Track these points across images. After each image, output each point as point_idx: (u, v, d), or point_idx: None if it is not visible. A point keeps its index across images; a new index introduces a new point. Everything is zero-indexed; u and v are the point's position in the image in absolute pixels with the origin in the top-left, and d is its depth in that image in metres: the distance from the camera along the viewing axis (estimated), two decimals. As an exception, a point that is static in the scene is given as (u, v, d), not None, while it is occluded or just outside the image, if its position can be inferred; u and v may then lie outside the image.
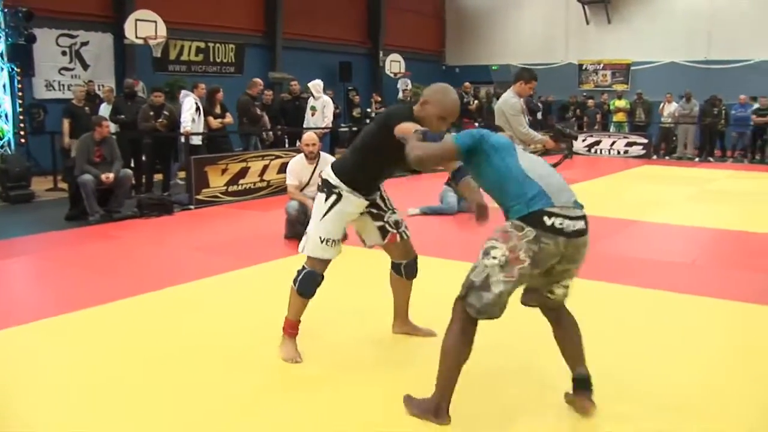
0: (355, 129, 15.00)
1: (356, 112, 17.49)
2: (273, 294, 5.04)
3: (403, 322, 4.34)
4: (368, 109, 17.69)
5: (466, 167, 3.20)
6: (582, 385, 3.17)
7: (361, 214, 3.96)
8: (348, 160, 3.93)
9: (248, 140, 12.26)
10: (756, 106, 17.48)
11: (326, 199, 3.86)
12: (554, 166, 6.09)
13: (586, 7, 23.09)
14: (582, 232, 2.95)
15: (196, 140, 10.73)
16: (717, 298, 5.14)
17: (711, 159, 17.82)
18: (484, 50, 24.88)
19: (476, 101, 17.67)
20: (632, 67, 22.66)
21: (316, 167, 6.94)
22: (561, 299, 3.16)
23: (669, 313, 4.86)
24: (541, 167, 3.11)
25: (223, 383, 3.62)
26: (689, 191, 11.42)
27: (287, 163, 7.50)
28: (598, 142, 19.15)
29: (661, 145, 18.93)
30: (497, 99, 17.09)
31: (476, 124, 16.35)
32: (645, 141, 18.80)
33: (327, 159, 7.14)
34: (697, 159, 17.86)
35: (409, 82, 20.47)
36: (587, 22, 23.37)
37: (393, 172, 3.97)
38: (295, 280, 3.91)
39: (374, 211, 3.99)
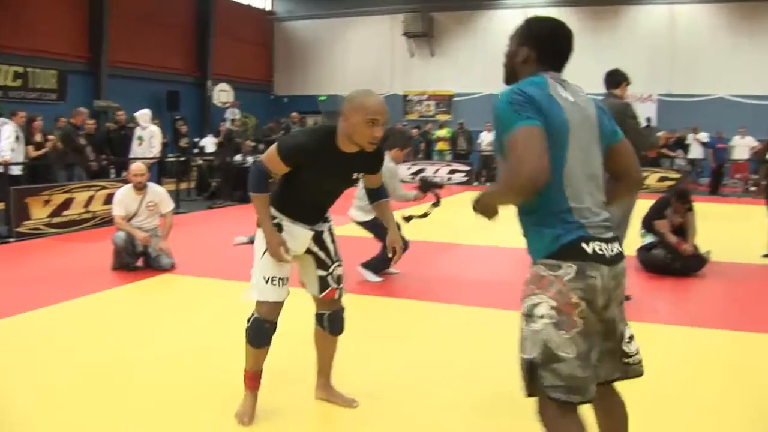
0: (183, 159, 15.04)
1: (184, 142, 17.44)
2: (99, 328, 5.12)
3: (324, 386, 3.76)
4: (195, 139, 17.71)
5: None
6: None
7: (307, 252, 3.49)
8: (277, 189, 3.43)
9: (72, 170, 12.02)
10: None
11: (263, 235, 3.38)
12: (422, 216, 6.61)
13: (411, 40, 24.27)
14: (621, 256, 2.37)
15: (16, 170, 10.43)
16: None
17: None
18: (312, 81, 25.53)
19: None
20: (454, 98, 24.05)
21: (144, 198, 7.05)
22: (640, 361, 2.47)
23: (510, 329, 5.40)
24: (578, 142, 2.32)
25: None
26: (508, 214, 12.27)
27: (113, 193, 7.51)
28: (422, 170, 20.07)
29: (482, 172, 20.15)
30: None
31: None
32: (467, 168, 19.98)
33: (155, 189, 7.29)
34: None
35: (237, 111, 20.55)
36: (412, 55, 24.56)
37: (333, 195, 3.46)
38: (246, 329, 3.44)
39: (321, 255, 3.51)
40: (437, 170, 19.96)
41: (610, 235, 2.31)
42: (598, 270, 2.25)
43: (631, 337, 2.44)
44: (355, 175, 3.36)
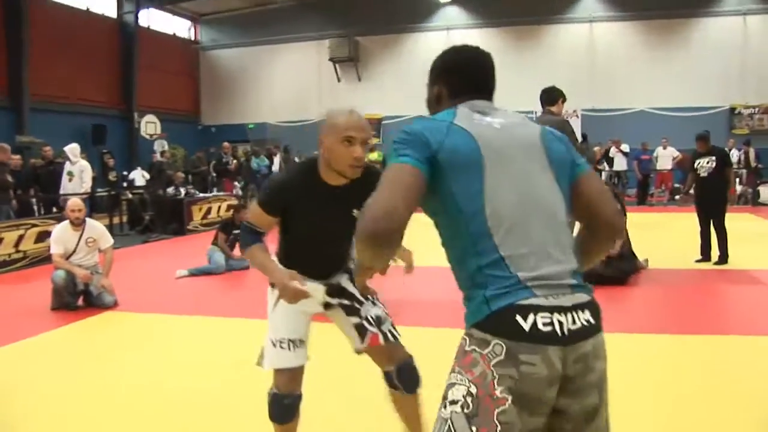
0: (113, 193, 14.77)
1: (112, 176, 17.11)
2: (42, 371, 4.98)
3: None
4: (124, 172, 17.42)
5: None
6: None
7: (328, 306, 3.04)
8: (279, 243, 3.06)
9: (-1, 209, 11.69)
10: None
11: (273, 288, 2.95)
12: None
13: (337, 66, 24.44)
14: (588, 330, 1.73)
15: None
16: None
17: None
18: (239, 109, 25.44)
19: (235, 161, 17.93)
20: (383, 122, 24.21)
21: (82, 234, 6.92)
22: None
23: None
24: (511, 179, 1.80)
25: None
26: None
27: (45, 231, 7.38)
28: (356, 194, 20.23)
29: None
30: (255, 157, 17.66)
31: (236, 184, 16.70)
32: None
33: (93, 225, 7.16)
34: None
35: (165, 143, 20.37)
36: (339, 80, 24.70)
37: (339, 240, 2.93)
38: (268, 404, 3.00)
39: (346, 302, 3.00)
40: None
41: (575, 297, 1.73)
42: (540, 354, 1.65)
43: None
44: (355, 212, 2.58)
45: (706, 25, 22.41)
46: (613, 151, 20.09)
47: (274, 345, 2.93)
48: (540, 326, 1.65)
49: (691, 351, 5.14)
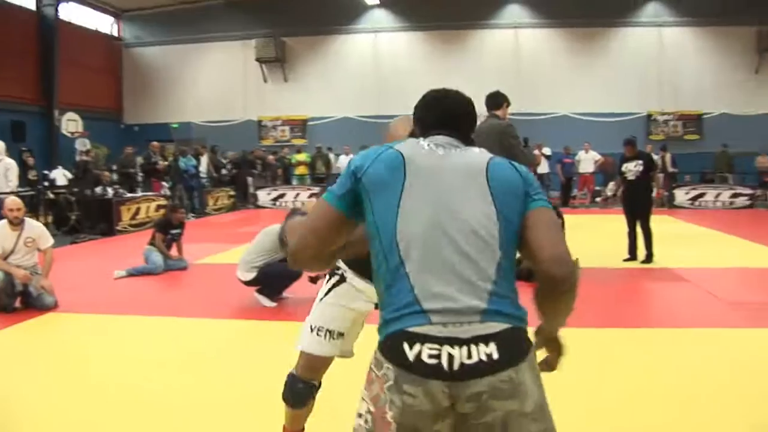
0: (34, 193, 14.40)
1: (32, 175, 16.68)
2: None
3: None
4: (44, 171, 17.00)
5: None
6: None
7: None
8: None
9: None
10: None
11: (328, 279, 3.03)
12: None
13: (263, 66, 24.36)
14: (487, 366, 1.66)
15: None
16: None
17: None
18: (163, 108, 25.06)
19: (165, 161, 17.61)
20: (309, 123, 24.30)
21: (21, 234, 6.81)
22: None
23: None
24: (436, 209, 1.79)
25: None
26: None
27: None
28: (282, 195, 20.23)
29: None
30: (183, 156, 17.46)
31: (164, 184, 16.48)
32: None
33: (32, 225, 7.06)
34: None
35: (87, 142, 19.82)
36: (265, 81, 24.62)
37: None
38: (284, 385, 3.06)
39: None
40: (297, 195, 20.13)
41: (480, 328, 1.67)
42: (422, 387, 1.64)
43: None
44: None
45: (625, 34, 23.40)
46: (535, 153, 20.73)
47: (312, 330, 2.95)
48: (424, 358, 1.64)
49: (623, 343, 5.50)
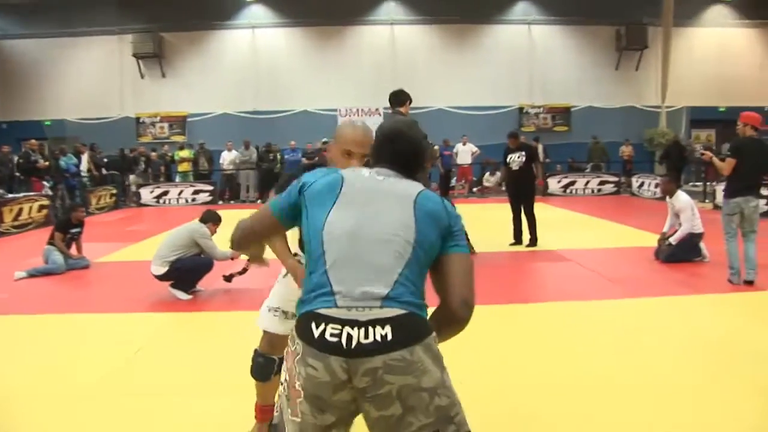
0: None
1: None
2: None
3: None
4: None
5: None
6: None
7: None
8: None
9: None
10: (304, 149, 20.53)
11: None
12: (241, 273, 6.96)
13: (140, 61, 23.93)
14: (380, 346, 1.96)
15: None
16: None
17: (272, 200, 19.94)
18: (34, 105, 24.07)
19: (46, 161, 17.07)
20: (188, 119, 24.08)
21: None
22: None
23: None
24: (360, 220, 2.14)
25: None
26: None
27: None
28: (166, 193, 20.08)
29: (226, 191, 20.58)
30: (63, 155, 17.05)
31: (45, 183, 16.08)
32: (211, 188, 20.32)
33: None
34: (259, 201, 19.85)
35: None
36: (142, 76, 24.19)
37: None
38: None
39: None
40: (181, 192, 20.06)
41: (379, 312, 1.97)
42: (322, 361, 1.95)
43: None
44: None
45: (497, 32, 24.56)
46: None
47: (269, 310, 3.35)
48: (327, 336, 1.94)
49: (516, 317, 6.18)
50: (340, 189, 2.19)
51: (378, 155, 2.38)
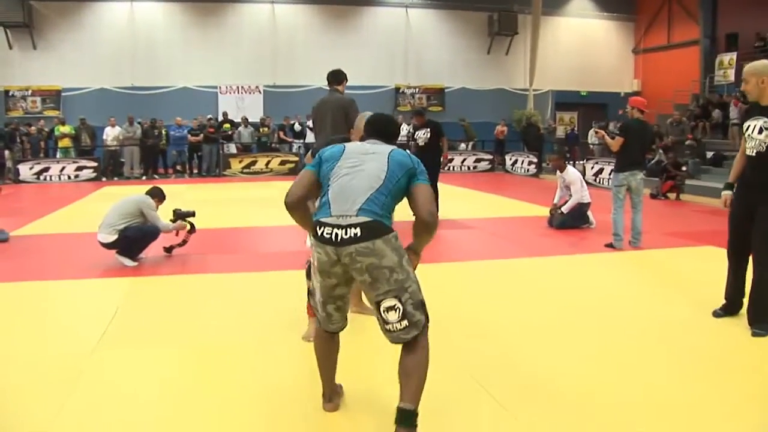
0: None
1: None
2: None
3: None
4: None
5: None
6: (398, 419, 3.14)
7: None
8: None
9: None
10: (190, 126, 20.76)
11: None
12: (181, 245, 7.56)
13: (8, 31, 23.04)
14: (353, 240, 3.09)
15: None
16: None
17: (156, 176, 20.16)
18: None
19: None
20: (63, 93, 23.52)
21: None
22: (399, 332, 3.19)
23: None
24: (350, 171, 3.29)
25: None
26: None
27: None
28: (46, 169, 19.71)
29: (110, 167, 20.43)
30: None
31: None
32: (95, 164, 20.13)
33: None
34: (143, 177, 19.96)
35: None
36: (11, 47, 23.37)
37: None
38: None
39: None
40: (63, 168, 19.78)
41: (354, 219, 3.09)
42: (323, 249, 3.17)
43: (390, 308, 3.15)
44: None
45: (376, 13, 25.59)
46: (297, 126, 22.28)
47: None
48: (324, 234, 3.15)
49: (432, 275, 7.09)
50: (342, 153, 3.39)
51: (367, 133, 3.63)
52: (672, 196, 14.32)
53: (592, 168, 18.16)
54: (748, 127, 5.06)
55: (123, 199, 7.81)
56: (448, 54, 26.30)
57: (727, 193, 5.43)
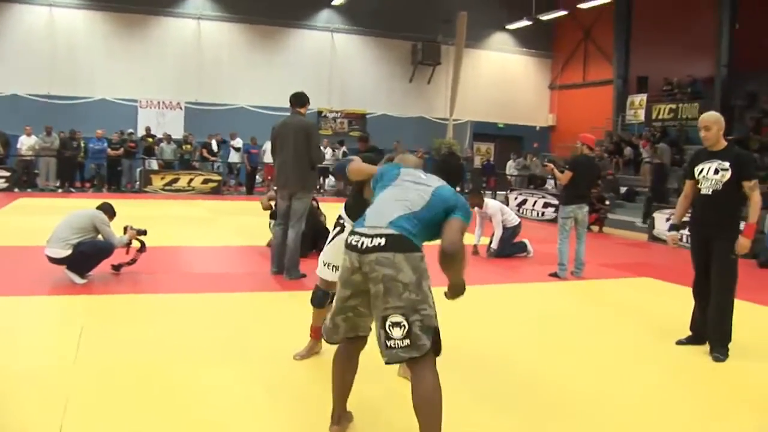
0: None
1: None
2: None
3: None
4: None
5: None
6: None
7: None
8: (351, 195, 4.68)
9: None
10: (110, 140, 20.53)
11: (333, 228, 4.65)
12: (130, 263, 7.66)
13: None
14: (376, 248, 3.19)
15: None
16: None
17: (72, 189, 19.68)
18: None
19: None
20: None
21: None
22: (398, 350, 3.18)
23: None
24: (396, 193, 3.47)
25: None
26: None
27: None
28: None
29: (23, 178, 19.77)
30: None
31: None
32: (8, 174, 19.48)
33: None
34: (60, 190, 19.47)
35: None
36: None
37: None
38: (311, 297, 4.86)
39: None
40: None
41: (380, 230, 3.23)
42: (349, 256, 3.30)
43: (395, 324, 3.15)
44: None
45: (303, 36, 26.14)
46: (213, 143, 22.28)
47: (325, 265, 4.67)
48: (351, 242, 3.29)
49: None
50: (398, 175, 3.60)
51: (433, 169, 3.80)
52: (595, 228, 15.01)
53: (516, 199, 18.79)
54: (702, 169, 5.56)
55: (73, 213, 7.70)
56: (371, 80, 26.82)
57: (673, 234, 5.98)
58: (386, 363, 3.26)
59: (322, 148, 9.52)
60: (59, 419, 3.76)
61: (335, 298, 3.43)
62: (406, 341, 3.14)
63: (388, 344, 3.17)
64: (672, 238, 6.01)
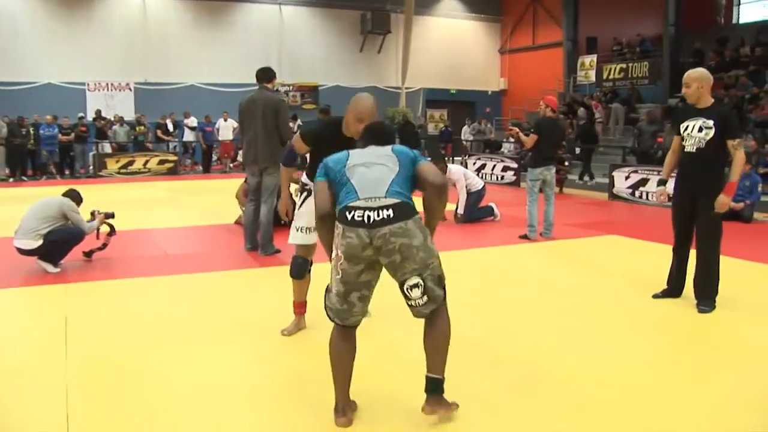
0: None
1: None
2: None
3: None
4: None
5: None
6: (427, 388, 3.43)
7: None
8: (309, 162, 4.76)
9: None
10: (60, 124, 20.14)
11: (300, 195, 4.78)
12: (101, 248, 7.54)
13: None
14: (386, 221, 3.21)
15: None
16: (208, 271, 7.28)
17: (25, 178, 19.27)
18: None
19: None
20: None
21: None
22: (420, 307, 3.36)
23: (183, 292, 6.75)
24: (365, 164, 3.46)
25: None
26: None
27: None
28: None
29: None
30: None
31: None
32: (-45, 164, 19.00)
33: None
34: (11, 179, 19.05)
35: None
36: None
37: None
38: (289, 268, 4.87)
39: None
40: None
41: (384, 201, 3.23)
42: (354, 232, 3.21)
43: (414, 286, 3.30)
44: None
45: (250, 10, 25.64)
46: (167, 122, 22.09)
47: (297, 230, 4.79)
48: (355, 217, 3.23)
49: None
50: (348, 157, 3.53)
51: (365, 139, 3.79)
52: (556, 189, 15.18)
53: (474, 164, 18.88)
54: (687, 126, 5.69)
55: (40, 201, 7.59)
56: (321, 52, 26.68)
57: (661, 189, 6.11)
58: (414, 317, 3.46)
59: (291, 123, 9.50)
60: (63, 409, 3.78)
61: (343, 276, 3.33)
62: (425, 298, 3.33)
63: (410, 304, 3.36)
64: (660, 193, 6.11)
